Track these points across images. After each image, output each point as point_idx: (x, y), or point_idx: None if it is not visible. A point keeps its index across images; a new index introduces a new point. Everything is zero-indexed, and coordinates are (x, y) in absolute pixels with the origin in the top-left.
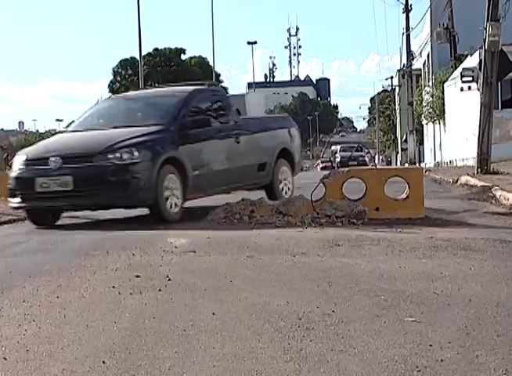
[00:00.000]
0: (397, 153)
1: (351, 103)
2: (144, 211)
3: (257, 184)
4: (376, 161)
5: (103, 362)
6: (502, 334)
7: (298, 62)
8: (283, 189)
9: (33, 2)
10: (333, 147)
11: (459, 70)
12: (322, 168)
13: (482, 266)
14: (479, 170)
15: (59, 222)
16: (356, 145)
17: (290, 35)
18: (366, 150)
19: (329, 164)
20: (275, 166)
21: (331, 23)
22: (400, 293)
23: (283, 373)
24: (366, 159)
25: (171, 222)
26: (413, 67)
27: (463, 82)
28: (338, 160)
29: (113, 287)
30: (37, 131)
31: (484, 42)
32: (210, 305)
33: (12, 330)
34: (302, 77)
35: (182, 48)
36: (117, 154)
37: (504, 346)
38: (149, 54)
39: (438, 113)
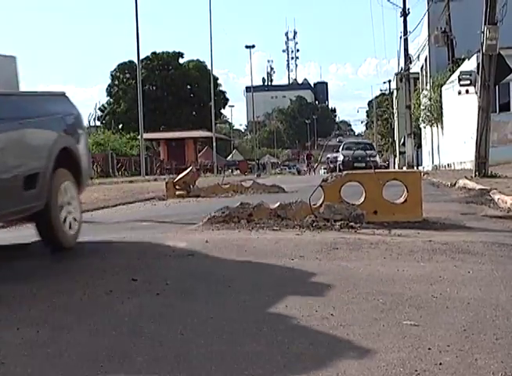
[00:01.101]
0: (395, 156)
1: (349, 107)
2: (145, 211)
3: (23, 211)
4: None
5: (101, 365)
6: (501, 338)
7: (296, 66)
8: (65, 221)
9: (30, 6)
10: (328, 155)
11: (457, 73)
12: (329, 170)
13: (481, 270)
14: (477, 173)
15: None
16: (364, 142)
17: (287, 39)
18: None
19: (334, 164)
20: (52, 180)
21: (329, 26)
22: (399, 296)
23: None
24: (378, 160)
25: None
26: (411, 71)
27: (461, 86)
28: (340, 161)
29: (111, 290)
30: None
31: (482, 46)
32: (209, 309)
33: (10, 334)
34: (300, 81)
35: (179, 52)
36: None
37: (503, 349)
38: (147, 58)
39: (436, 116)
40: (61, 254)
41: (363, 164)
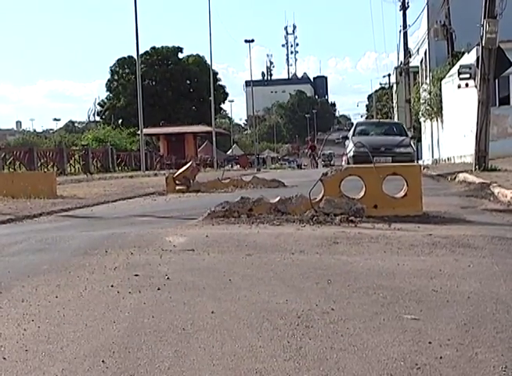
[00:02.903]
0: None
1: (349, 101)
2: (145, 206)
3: None
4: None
5: (103, 361)
6: (501, 331)
7: (295, 60)
8: None
9: (29, 1)
10: (324, 151)
11: (457, 67)
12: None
13: (481, 263)
14: (477, 167)
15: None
16: (389, 122)
17: (287, 33)
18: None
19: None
20: None
21: (328, 20)
22: (399, 290)
23: (283, 371)
24: (411, 151)
25: None
26: (411, 65)
27: (461, 79)
28: (351, 154)
29: (112, 286)
30: (35, 130)
31: (482, 39)
32: (210, 304)
33: (11, 330)
34: (299, 75)
35: (179, 47)
36: None
37: (503, 343)
38: (146, 53)
39: (436, 110)
40: (61, 250)
41: (389, 159)
